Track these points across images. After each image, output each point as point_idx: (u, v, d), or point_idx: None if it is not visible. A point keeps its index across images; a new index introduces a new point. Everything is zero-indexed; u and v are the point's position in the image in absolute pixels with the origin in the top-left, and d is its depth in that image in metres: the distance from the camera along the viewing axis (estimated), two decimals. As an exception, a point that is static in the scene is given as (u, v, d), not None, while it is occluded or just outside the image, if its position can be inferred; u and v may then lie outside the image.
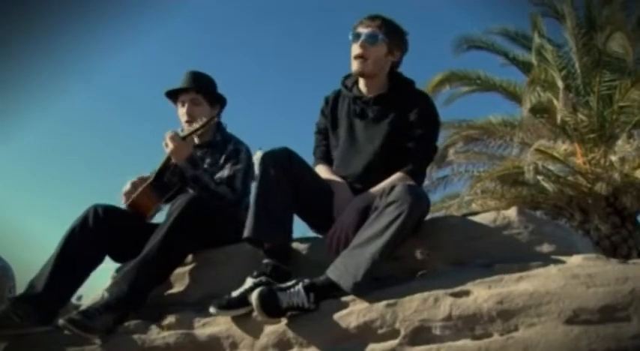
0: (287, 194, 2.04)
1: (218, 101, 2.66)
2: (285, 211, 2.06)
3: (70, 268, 2.20)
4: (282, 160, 2.05)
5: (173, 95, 2.64)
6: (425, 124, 2.20)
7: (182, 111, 2.58)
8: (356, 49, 2.22)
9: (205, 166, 2.55)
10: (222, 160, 2.54)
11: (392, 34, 2.24)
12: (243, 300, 1.89)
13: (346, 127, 2.31)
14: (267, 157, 2.05)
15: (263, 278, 1.95)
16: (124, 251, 2.33)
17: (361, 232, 1.89)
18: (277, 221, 2.02)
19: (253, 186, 2.09)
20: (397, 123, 2.20)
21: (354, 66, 2.24)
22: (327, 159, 2.38)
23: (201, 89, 2.59)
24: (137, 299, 2.10)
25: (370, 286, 1.83)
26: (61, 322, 1.96)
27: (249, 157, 2.54)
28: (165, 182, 2.49)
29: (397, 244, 1.88)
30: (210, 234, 2.28)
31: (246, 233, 2.01)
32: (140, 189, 2.47)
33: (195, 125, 2.40)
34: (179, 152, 2.36)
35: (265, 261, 2.02)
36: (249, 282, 1.96)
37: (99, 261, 2.32)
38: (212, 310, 1.92)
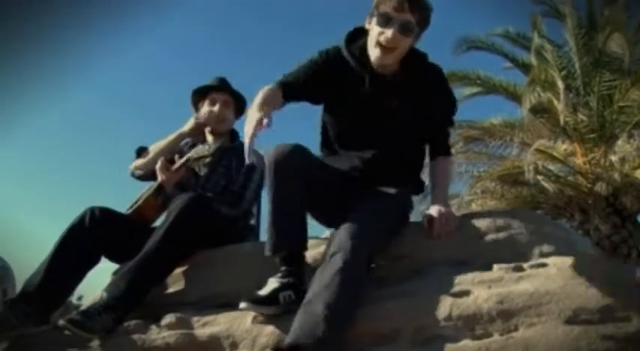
0: (302, 199, 1.95)
1: (241, 112, 2.75)
2: (302, 216, 1.99)
3: (65, 268, 2.19)
4: (297, 163, 1.90)
5: (200, 92, 2.72)
6: (449, 108, 2.14)
7: (209, 109, 2.65)
8: (385, 35, 1.97)
9: (222, 169, 2.56)
10: (234, 165, 2.57)
11: (423, 22, 2.03)
12: (274, 299, 1.83)
13: (355, 106, 2.09)
14: (280, 163, 1.89)
15: (291, 279, 1.87)
16: (120, 253, 2.33)
17: (312, 286, 1.73)
18: (296, 230, 1.94)
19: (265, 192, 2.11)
20: (414, 107, 2.06)
21: (377, 55, 2.00)
22: (288, 89, 2.05)
23: (234, 94, 2.70)
24: (135, 299, 2.10)
25: (342, 341, 1.65)
26: (61, 322, 1.96)
27: (262, 174, 2.52)
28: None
29: (354, 291, 1.71)
30: (210, 234, 2.28)
31: (268, 251, 1.92)
32: (144, 197, 2.51)
33: (181, 161, 2.46)
34: (168, 182, 2.47)
35: (283, 268, 1.92)
36: (274, 282, 1.88)
37: (95, 262, 2.31)
38: (243, 305, 1.84)
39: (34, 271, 2.20)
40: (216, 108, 2.64)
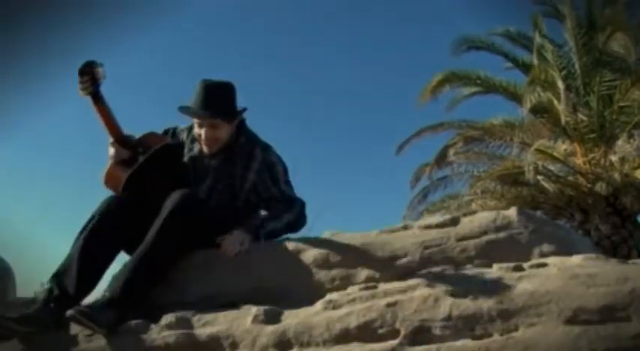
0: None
1: (238, 113, 2.45)
2: None
3: (93, 267, 2.20)
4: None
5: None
6: None
7: (200, 131, 2.38)
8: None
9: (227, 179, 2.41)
10: (253, 169, 2.40)
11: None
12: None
13: None
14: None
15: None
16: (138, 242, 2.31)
17: None
18: None
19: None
20: None
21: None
22: None
23: (218, 114, 2.36)
24: (136, 296, 2.11)
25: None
26: (70, 312, 1.97)
27: (281, 164, 2.44)
28: (129, 157, 2.38)
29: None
30: (207, 231, 2.25)
31: None
32: (107, 168, 2.40)
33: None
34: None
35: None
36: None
37: (116, 254, 2.31)
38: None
39: (63, 268, 2.18)
40: (202, 132, 2.37)
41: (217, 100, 2.38)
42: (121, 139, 2.36)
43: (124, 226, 2.28)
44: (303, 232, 2.44)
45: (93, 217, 2.27)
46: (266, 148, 2.46)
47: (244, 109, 2.46)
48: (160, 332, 1.99)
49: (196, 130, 2.43)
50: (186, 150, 2.53)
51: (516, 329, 1.60)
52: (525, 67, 9.25)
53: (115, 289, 2.09)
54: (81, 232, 2.24)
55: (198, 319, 2.00)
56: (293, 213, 2.39)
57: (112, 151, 2.36)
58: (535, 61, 8.75)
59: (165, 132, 2.60)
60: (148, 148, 2.40)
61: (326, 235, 2.26)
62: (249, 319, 1.90)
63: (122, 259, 2.38)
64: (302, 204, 2.43)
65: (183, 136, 2.57)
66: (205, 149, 2.42)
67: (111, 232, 2.25)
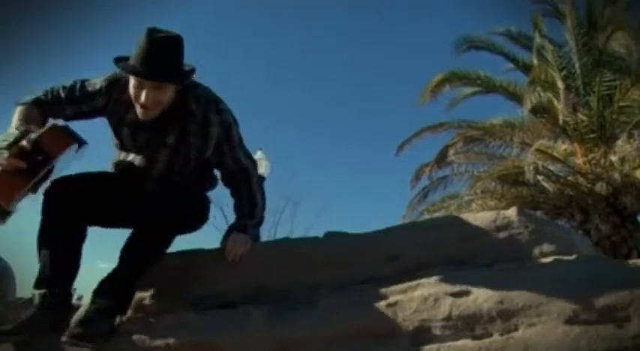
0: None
1: (188, 73, 2.13)
2: None
3: (69, 262, 2.15)
4: None
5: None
6: None
7: (140, 93, 2.02)
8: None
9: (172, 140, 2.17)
10: (212, 136, 2.18)
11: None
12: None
13: None
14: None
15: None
16: (104, 215, 2.26)
17: None
18: None
19: None
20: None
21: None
22: None
23: (170, 77, 2.03)
24: (126, 301, 2.12)
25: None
26: (65, 339, 1.93)
27: (235, 122, 2.24)
28: (29, 165, 1.95)
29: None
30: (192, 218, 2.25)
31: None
32: None
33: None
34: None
35: None
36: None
37: (84, 234, 2.21)
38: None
39: (46, 270, 2.10)
40: (143, 95, 2.01)
41: (166, 58, 2.01)
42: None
43: (81, 204, 2.13)
44: (303, 233, 2.44)
45: (46, 209, 2.12)
46: (219, 109, 2.19)
47: (193, 70, 2.12)
48: (160, 332, 1.99)
49: (132, 90, 2.05)
50: (113, 114, 2.20)
51: (516, 329, 1.60)
52: (525, 68, 9.26)
53: (104, 297, 2.06)
54: (42, 228, 2.14)
55: (198, 319, 2.00)
56: (261, 191, 2.34)
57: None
58: (535, 61, 8.75)
59: (71, 91, 2.16)
60: (48, 155, 1.99)
61: (326, 235, 2.26)
62: (249, 319, 1.90)
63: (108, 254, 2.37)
64: (255, 170, 2.35)
65: (100, 100, 2.17)
66: (141, 114, 2.06)
67: (70, 215, 2.12)
